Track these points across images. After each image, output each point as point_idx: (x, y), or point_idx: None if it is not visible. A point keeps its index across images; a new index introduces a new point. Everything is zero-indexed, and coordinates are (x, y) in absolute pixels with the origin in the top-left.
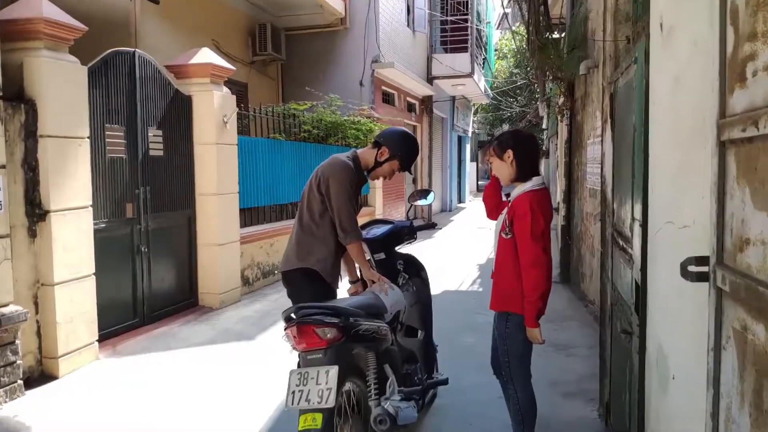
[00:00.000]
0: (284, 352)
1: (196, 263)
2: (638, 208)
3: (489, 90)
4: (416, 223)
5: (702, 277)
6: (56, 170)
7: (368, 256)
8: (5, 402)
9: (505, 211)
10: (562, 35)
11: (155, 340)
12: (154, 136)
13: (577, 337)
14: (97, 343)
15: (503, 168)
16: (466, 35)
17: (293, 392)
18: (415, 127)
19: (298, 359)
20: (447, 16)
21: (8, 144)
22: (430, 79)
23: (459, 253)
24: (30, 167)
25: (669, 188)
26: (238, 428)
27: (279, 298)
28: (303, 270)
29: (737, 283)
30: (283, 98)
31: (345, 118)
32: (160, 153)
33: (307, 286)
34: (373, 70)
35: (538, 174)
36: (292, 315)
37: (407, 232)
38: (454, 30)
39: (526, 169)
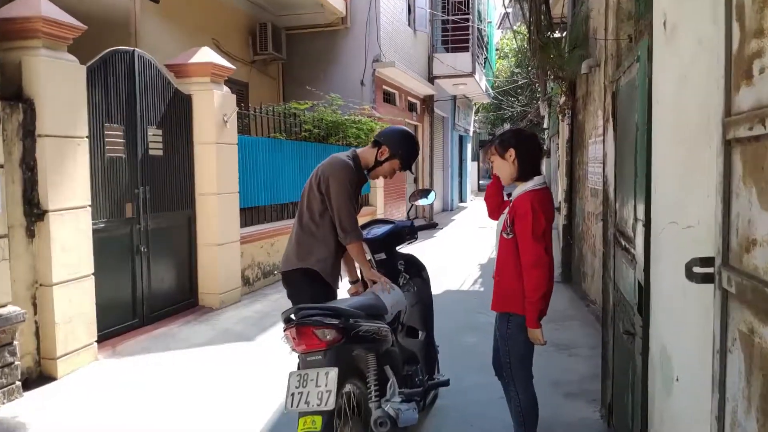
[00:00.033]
0: (284, 353)
1: (196, 263)
2: (641, 207)
3: (490, 89)
4: (417, 222)
5: (707, 279)
6: (55, 170)
7: (369, 256)
8: (3, 403)
9: (506, 210)
10: (563, 34)
11: (155, 341)
12: (153, 135)
13: (578, 337)
14: (96, 344)
15: (504, 167)
16: (467, 34)
17: (292, 394)
18: (416, 126)
19: (298, 360)
20: (448, 15)
21: (6, 143)
22: (431, 79)
23: (460, 252)
24: (28, 167)
25: (673, 188)
26: (237, 430)
27: (279, 299)
28: (303, 270)
29: (744, 284)
30: (284, 98)
31: (346, 117)
32: (160, 152)
33: (307, 287)
34: (374, 70)
35: (539, 173)
36: (292, 316)
37: (408, 231)
38: (455, 29)
39: (528, 168)
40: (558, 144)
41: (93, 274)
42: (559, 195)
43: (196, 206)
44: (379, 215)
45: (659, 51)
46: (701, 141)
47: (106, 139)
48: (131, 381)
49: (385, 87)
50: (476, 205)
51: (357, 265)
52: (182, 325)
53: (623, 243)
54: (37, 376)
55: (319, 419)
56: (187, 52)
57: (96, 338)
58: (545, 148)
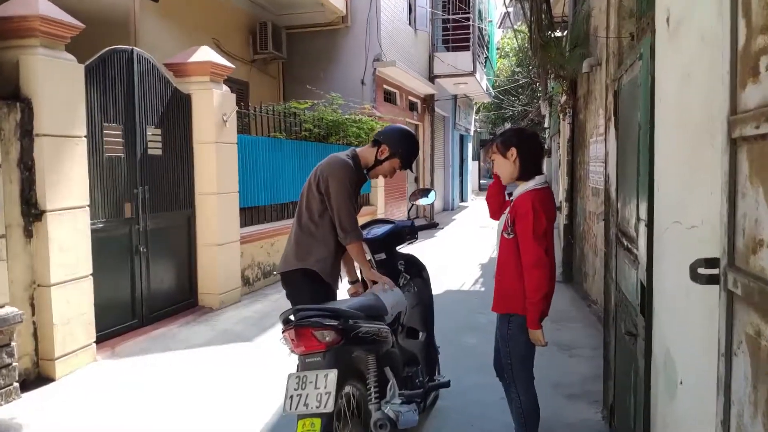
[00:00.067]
0: (284, 354)
1: (196, 263)
2: (643, 207)
3: (491, 89)
4: (418, 222)
5: (712, 280)
6: (52, 170)
7: (369, 257)
8: (1, 405)
9: (507, 210)
10: (564, 33)
11: (154, 342)
12: (152, 134)
13: (580, 338)
14: (94, 345)
15: (506, 166)
16: (468, 34)
17: (291, 397)
18: (417, 125)
19: (298, 361)
20: (449, 14)
21: (4, 143)
22: (431, 78)
23: (461, 252)
24: (26, 167)
25: (676, 187)
26: None
27: (279, 299)
28: (302, 271)
29: (750, 286)
30: (284, 97)
31: (346, 116)
32: (159, 152)
33: (307, 287)
34: (375, 69)
35: (541, 173)
36: (291, 317)
37: (408, 231)
38: (456, 28)
39: (530, 167)
40: (559, 143)
41: (91, 274)
42: (560, 194)
43: (196, 206)
44: (380, 215)
45: (662, 48)
46: (705, 139)
47: (105, 139)
48: (130, 382)
49: (385, 86)
50: (477, 205)
51: (356, 265)
52: (182, 325)
53: (625, 243)
54: (35, 378)
55: (318, 422)
56: (187, 51)
57: (95, 339)
58: (546, 147)
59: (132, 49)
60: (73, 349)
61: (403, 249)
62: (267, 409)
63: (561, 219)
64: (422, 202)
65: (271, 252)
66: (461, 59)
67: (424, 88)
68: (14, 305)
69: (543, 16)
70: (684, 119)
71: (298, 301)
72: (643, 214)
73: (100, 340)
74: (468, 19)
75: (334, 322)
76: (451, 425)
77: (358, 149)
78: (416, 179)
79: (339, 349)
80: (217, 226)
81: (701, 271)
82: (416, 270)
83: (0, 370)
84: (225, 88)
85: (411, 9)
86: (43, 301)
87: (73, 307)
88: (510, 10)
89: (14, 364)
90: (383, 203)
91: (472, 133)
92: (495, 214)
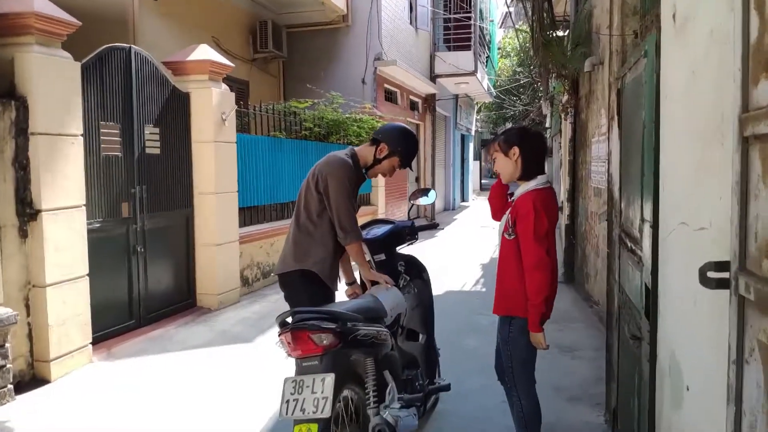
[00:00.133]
0: (283, 356)
1: (194, 263)
2: (648, 207)
3: (492, 88)
4: (418, 222)
5: (722, 284)
6: (48, 168)
7: (368, 257)
8: None
9: (508, 211)
10: (566, 32)
11: (151, 343)
12: (150, 133)
13: (582, 339)
14: (90, 346)
15: (507, 165)
16: (470, 33)
17: (287, 401)
18: (418, 125)
19: (295, 365)
20: (450, 13)
21: None
22: (433, 78)
23: (462, 252)
24: (21, 165)
25: (683, 187)
26: None
27: (279, 299)
28: (300, 272)
29: (763, 291)
30: (285, 96)
31: (347, 115)
32: (157, 151)
33: (305, 289)
34: (376, 68)
35: (543, 173)
36: (287, 320)
37: (408, 232)
38: (457, 28)
39: (532, 167)
40: (560, 143)
41: (88, 274)
42: (561, 194)
43: (194, 205)
44: (381, 215)
45: (668, 45)
46: (714, 138)
47: (102, 138)
48: (126, 384)
49: (386, 85)
50: (478, 205)
51: (353, 266)
52: (180, 326)
53: (629, 244)
54: (30, 379)
55: (315, 427)
56: (185, 49)
57: (91, 340)
58: (548, 147)
59: (130, 47)
60: (69, 351)
61: (403, 249)
62: (265, 412)
63: (563, 219)
64: (422, 201)
65: (270, 252)
66: (462, 59)
67: (425, 87)
68: (9, 306)
69: (544, 15)
70: (691, 117)
71: (296, 303)
72: (648, 215)
73: (96, 342)
74: (469, 18)
75: (332, 325)
76: (451, 429)
77: (356, 148)
78: (417, 179)
79: (337, 353)
80: (216, 225)
81: (711, 274)
82: (416, 271)
83: None
84: (224, 86)
85: (412, 8)
86: (39, 301)
87: (68, 308)
88: (511, 9)
89: (8, 365)
90: (384, 203)
91: (473, 132)
92: (497, 215)
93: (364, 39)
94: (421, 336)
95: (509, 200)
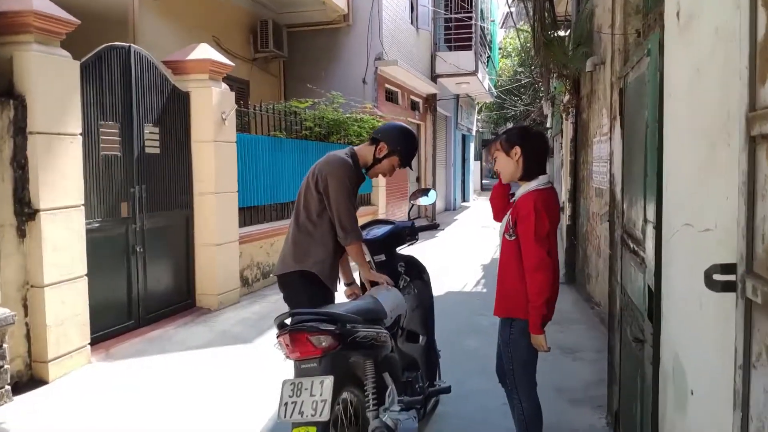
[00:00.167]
0: (282, 357)
1: (194, 263)
2: (651, 208)
3: (493, 88)
4: (418, 223)
5: (729, 287)
6: (46, 168)
7: (368, 258)
8: None
9: (509, 211)
10: (568, 32)
11: (150, 343)
12: (150, 133)
13: (583, 340)
14: (89, 347)
15: (508, 164)
16: (470, 33)
17: (285, 404)
18: (419, 125)
19: (293, 367)
20: (451, 13)
21: None
22: (434, 78)
23: (463, 252)
24: (19, 165)
25: (687, 188)
26: None
27: (279, 300)
28: (300, 273)
29: None
30: (286, 96)
31: (347, 115)
32: (157, 150)
33: (305, 290)
34: (376, 68)
35: (544, 173)
36: (286, 321)
37: (408, 232)
38: (458, 28)
39: (533, 167)
40: (561, 143)
41: (86, 274)
42: (563, 195)
43: (194, 205)
44: (381, 215)
45: (671, 43)
46: (720, 137)
47: (101, 137)
48: (125, 384)
49: (387, 85)
50: (479, 205)
51: (352, 266)
52: (179, 326)
53: (631, 245)
54: (28, 380)
55: (313, 430)
56: (185, 48)
57: (89, 341)
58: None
59: (129, 46)
60: (67, 351)
61: (404, 250)
62: (265, 413)
63: (564, 220)
64: (423, 201)
65: (270, 252)
66: (463, 59)
67: (426, 87)
68: (7, 306)
69: (546, 14)
70: (696, 116)
71: (296, 304)
72: (651, 216)
73: (94, 342)
74: (470, 18)
75: (331, 327)
76: (451, 431)
77: (355, 148)
78: (418, 179)
79: (336, 355)
80: (216, 225)
81: (717, 277)
82: (417, 272)
83: None
84: (224, 86)
85: (413, 8)
86: (37, 301)
87: (67, 308)
88: (513, 9)
89: (6, 366)
90: (385, 203)
91: (474, 132)
92: (498, 216)
93: (365, 39)
94: (421, 337)
95: (511, 201)
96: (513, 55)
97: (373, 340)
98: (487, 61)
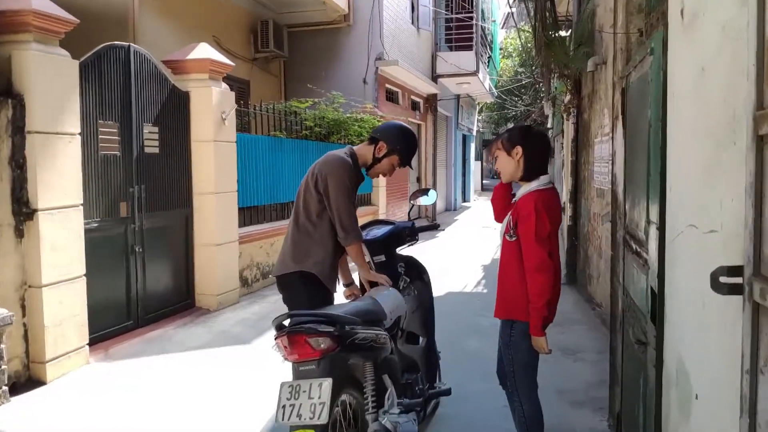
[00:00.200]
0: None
1: (193, 264)
2: (654, 209)
3: (494, 89)
4: (419, 223)
5: (735, 290)
6: (45, 167)
7: (368, 258)
8: None
9: (510, 212)
10: (569, 32)
11: (149, 344)
12: (149, 132)
13: (584, 341)
14: (87, 347)
15: (509, 164)
16: (471, 33)
17: (284, 406)
18: (419, 125)
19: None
20: (452, 13)
21: None
22: (434, 78)
23: (463, 253)
24: (17, 164)
25: (691, 188)
26: None
27: (278, 300)
28: (299, 273)
29: None
30: (286, 95)
31: (348, 115)
32: (156, 150)
33: (304, 291)
34: (377, 68)
35: (546, 173)
36: (284, 323)
37: (409, 233)
38: (459, 28)
39: (534, 168)
40: (562, 144)
41: (85, 275)
42: (564, 195)
43: (194, 205)
44: (382, 215)
45: (675, 42)
46: (726, 137)
47: (100, 136)
48: (124, 385)
49: (387, 85)
50: (480, 205)
51: (351, 267)
52: (178, 327)
53: (633, 246)
54: (26, 381)
55: None
56: (185, 48)
57: (87, 341)
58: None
59: (129, 46)
60: (65, 352)
61: (404, 251)
62: (264, 414)
63: (565, 220)
64: (423, 202)
65: (270, 252)
66: (464, 59)
67: (426, 87)
68: (4, 306)
69: (547, 14)
70: (700, 116)
71: (295, 305)
72: (654, 217)
73: (93, 342)
74: (471, 18)
75: (330, 329)
76: None
77: (355, 147)
78: (418, 179)
79: (334, 357)
80: (215, 225)
81: (723, 279)
82: (417, 273)
83: None
84: (224, 85)
85: (414, 8)
86: (35, 302)
87: (65, 309)
88: (514, 9)
89: (3, 367)
90: (385, 203)
91: (474, 132)
92: (500, 217)
93: (365, 39)
94: (421, 339)
95: (512, 201)
96: (514, 55)
97: (372, 341)
98: (488, 62)
